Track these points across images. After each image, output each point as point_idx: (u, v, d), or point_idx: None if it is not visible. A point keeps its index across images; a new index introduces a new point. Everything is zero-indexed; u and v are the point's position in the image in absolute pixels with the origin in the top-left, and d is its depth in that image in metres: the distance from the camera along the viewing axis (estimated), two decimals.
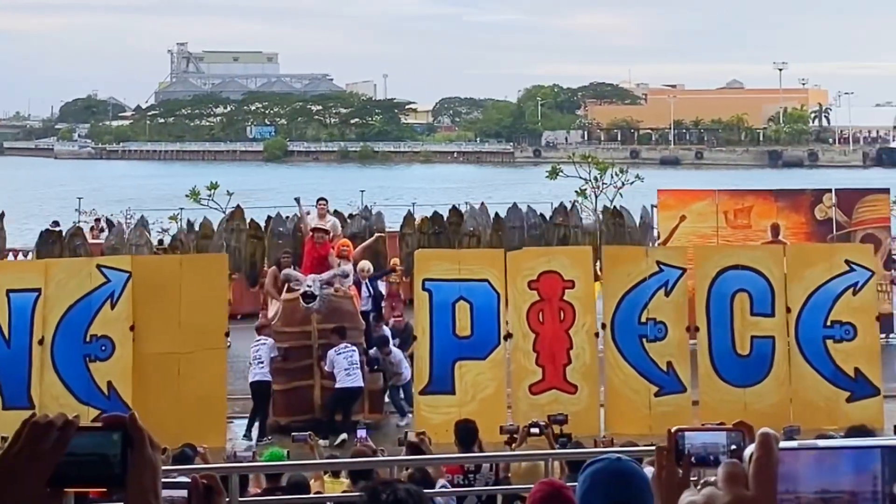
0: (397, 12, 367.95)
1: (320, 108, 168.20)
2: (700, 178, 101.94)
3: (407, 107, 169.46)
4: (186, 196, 36.48)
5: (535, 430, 11.61)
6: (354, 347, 15.95)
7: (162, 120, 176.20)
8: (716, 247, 20.45)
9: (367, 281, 18.02)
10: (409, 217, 24.41)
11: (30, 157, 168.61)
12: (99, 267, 15.47)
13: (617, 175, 39.19)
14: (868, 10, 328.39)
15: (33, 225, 46.07)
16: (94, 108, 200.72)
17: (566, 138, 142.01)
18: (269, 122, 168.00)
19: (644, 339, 15.83)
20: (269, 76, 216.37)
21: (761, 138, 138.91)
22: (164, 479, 1.91)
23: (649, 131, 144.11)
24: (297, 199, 21.13)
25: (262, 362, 15.88)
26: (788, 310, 16.19)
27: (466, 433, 10.97)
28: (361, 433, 13.28)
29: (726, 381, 15.87)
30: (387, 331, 17.71)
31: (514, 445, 11.67)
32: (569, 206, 27.09)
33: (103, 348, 15.06)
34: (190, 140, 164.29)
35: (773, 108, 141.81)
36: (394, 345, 17.02)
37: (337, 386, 15.66)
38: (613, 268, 16.38)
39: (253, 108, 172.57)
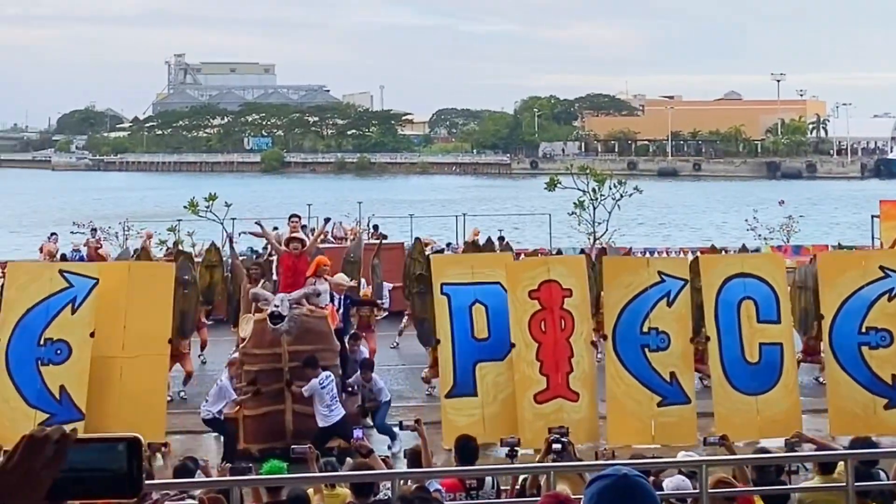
0: (391, 23, 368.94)
1: (317, 119, 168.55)
2: (699, 190, 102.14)
3: (403, 118, 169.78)
4: (185, 207, 36.47)
5: (557, 447, 11.42)
6: (331, 375, 15.42)
7: (160, 131, 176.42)
8: (719, 256, 20.63)
9: (341, 296, 17.23)
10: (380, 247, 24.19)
11: (27, 169, 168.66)
12: (61, 272, 15.58)
13: (615, 187, 39.26)
14: (865, 21, 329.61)
15: (29, 237, 45.95)
16: (92, 119, 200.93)
17: (563, 150, 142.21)
18: (266, 134, 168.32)
19: (646, 349, 15.77)
20: (266, 87, 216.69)
21: (759, 150, 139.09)
22: (171, 500, 1.87)
23: (647, 143, 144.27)
24: (259, 223, 20.55)
25: (207, 401, 15.81)
26: (822, 317, 16.36)
27: (467, 450, 10.87)
28: (358, 433, 13.23)
29: (738, 390, 15.84)
30: (364, 352, 17.43)
31: (539, 458, 11.50)
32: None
33: (58, 352, 15.03)
34: (187, 151, 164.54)
35: (771, 120, 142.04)
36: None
37: (320, 425, 15.13)
38: (614, 279, 16.29)
39: (250, 119, 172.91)
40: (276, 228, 20.98)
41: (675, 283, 16.04)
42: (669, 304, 15.88)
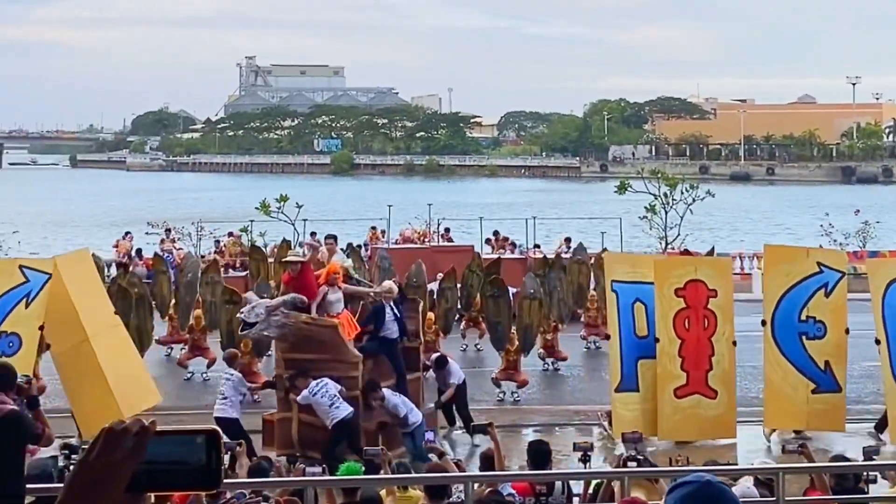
0: (459, 25, 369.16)
1: (386, 121, 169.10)
2: (772, 195, 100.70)
3: (472, 120, 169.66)
4: (256, 208, 36.85)
5: (632, 465, 11.32)
6: (326, 380, 14.77)
7: (231, 133, 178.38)
8: (883, 259, 21.14)
9: (391, 304, 16.19)
10: (451, 272, 23.87)
11: (103, 170, 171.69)
12: (21, 267, 16.19)
13: (687, 191, 38.84)
14: None
15: (104, 235, 46.75)
16: (166, 120, 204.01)
17: (633, 153, 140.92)
18: (335, 136, 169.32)
19: (804, 337, 16.41)
20: (336, 90, 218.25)
21: (834, 154, 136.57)
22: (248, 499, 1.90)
23: (719, 146, 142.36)
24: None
25: (224, 398, 15.30)
26: None
27: (539, 454, 10.81)
28: (429, 435, 13.24)
29: None
30: (455, 374, 17.03)
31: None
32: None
33: (10, 344, 15.57)
34: (258, 153, 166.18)
35: (846, 124, 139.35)
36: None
37: (328, 425, 14.60)
38: (773, 266, 17.05)
39: (320, 121, 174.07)
40: (313, 234, 20.87)
41: (833, 274, 16.69)
42: (827, 295, 16.54)
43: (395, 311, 16.17)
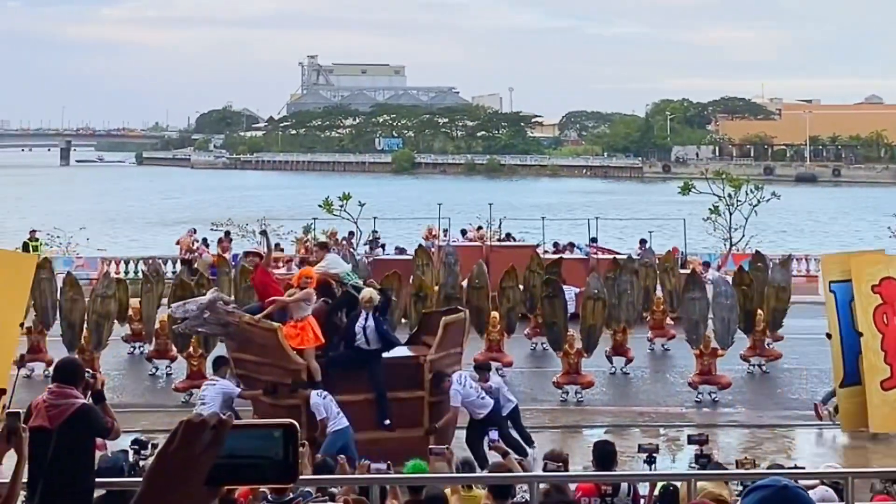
0: (519, 25, 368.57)
1: (447, 120, 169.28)
2: (838, 196, 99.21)
3: (533, 120, 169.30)
4: (319, 206, 37.11)
5: (702, 460, 11.18)
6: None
7: (293, 131, 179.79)
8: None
9: (369, 313, 15.19)
10: (511, 271, 23.48)
11: (168, 167, 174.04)
12: None
13: (752, 192, 38.44)
14: None
15: (167, 233, 47.32)
16: (229, 119, 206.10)
17: (697, 154, 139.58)
18: (396, 135, 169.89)
19: None
20: (397, 89, 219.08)
21: None
22: (313, 500, 1.90)
23: (784, 147, 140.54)
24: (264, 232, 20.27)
25: (204, 404, 14.54)
26: None
27: (604, 454, 10.73)
28: (493, 435, 13.14)
29: None
30: (498, 386, 16.03)
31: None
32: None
33: None
34: (320, 151, 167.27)
35: None
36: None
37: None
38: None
39: (381, 120, 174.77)
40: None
41: None
42: None
43: (374, 320, 15.17)
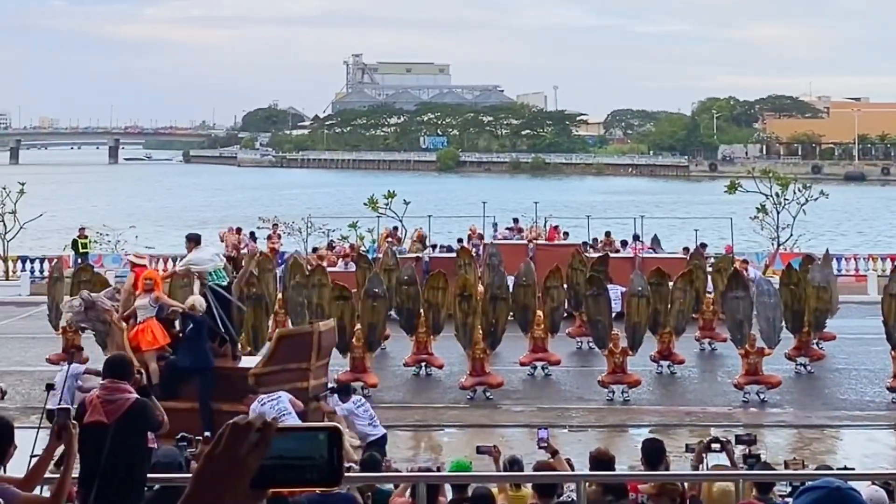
0: (562, 24, 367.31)
1: (491, 119, 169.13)
2: (888, 195, 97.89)
3: (578, 118, 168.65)
4: (364, 204, 37.21)
5: (716, 446, 11.19)
6: (280, 393, 14.29)
7: (339, 129, 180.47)
8: None
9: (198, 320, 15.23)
10: (555, 270, 22.98)
11: (215, 165, 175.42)
12: None
13: (800, 191, 38.03)
14: None
15: (211, 230, 47.63)
16: (275, 117, 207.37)
17: (745, 152, 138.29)
18: (441, 133, 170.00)
19: None
20: (441, 87, 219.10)
21: None
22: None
23: (832, 146, 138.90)
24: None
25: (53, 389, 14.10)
26: None
27: (653, 452, 10.66)
28: (543, 433, 13.07)
29: None
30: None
31: (693, 462, 11.32)
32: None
33: None
34: (365, 149, 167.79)
35: None
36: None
37: None
38: None
39: (426, 118, 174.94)
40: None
41: None
42: None
43: (195, 328, 15.22)
